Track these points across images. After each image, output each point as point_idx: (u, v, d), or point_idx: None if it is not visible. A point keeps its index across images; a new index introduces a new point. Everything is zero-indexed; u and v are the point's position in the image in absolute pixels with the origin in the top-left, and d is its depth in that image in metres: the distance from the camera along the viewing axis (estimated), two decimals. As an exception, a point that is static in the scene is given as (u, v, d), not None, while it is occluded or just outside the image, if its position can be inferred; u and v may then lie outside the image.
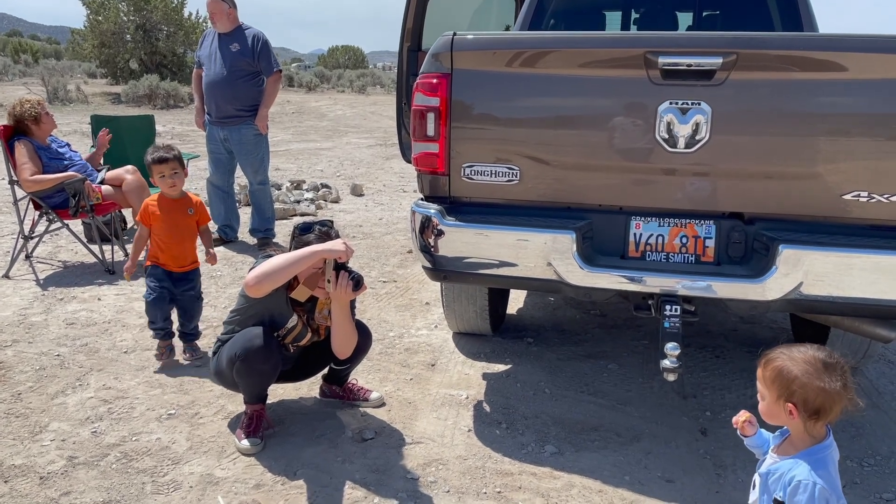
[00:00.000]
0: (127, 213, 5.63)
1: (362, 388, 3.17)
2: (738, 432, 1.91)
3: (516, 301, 4.55)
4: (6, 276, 4.76)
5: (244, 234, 5.97)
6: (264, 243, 5.73)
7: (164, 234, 3.49)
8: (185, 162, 3.71)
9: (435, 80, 2.69)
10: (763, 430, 1.90)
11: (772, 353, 1.70)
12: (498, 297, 3.90)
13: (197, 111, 5.77)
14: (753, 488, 1.80)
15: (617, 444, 2.87)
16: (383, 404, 3.15)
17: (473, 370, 3.53)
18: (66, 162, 4.93)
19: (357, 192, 8.28)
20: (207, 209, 3.59)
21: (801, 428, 1.66)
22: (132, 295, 4.43)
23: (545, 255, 2.63)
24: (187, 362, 3.55)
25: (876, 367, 3.67)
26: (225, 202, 5.77)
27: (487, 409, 3.14)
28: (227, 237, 5.82)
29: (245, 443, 2.75)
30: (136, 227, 3.69)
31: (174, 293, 3.54)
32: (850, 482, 2.63)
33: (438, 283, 3.83)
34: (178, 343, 3.64)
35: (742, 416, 1.89)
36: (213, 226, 5.92)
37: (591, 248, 2.69)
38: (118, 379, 3.34)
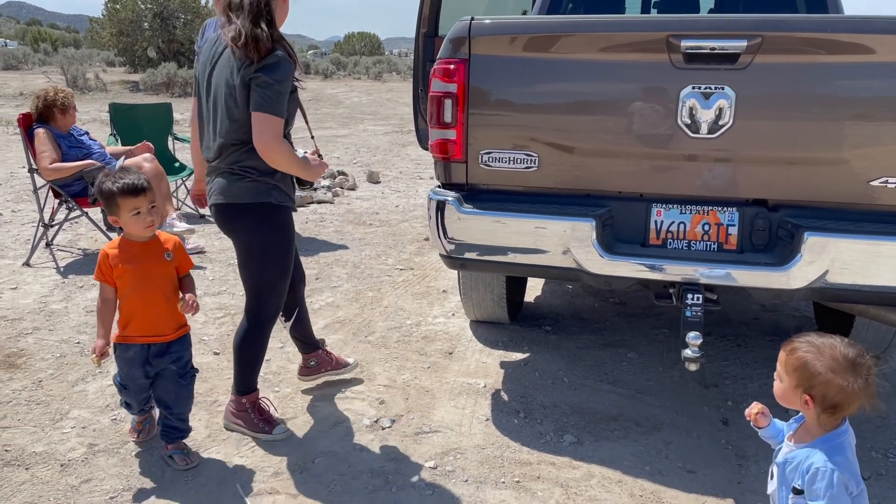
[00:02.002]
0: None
1: (338, 356, 3.22)
2: (752, 424, 1.88)
3: (534, 289, 4.52)
4: (27, 264, 4.80)
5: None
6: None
7: (135, 293, 2.44)
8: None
9: (452, 66, 2.65)
10: (777, 421, 1.87)
11: (798, 341, 1.66)
12: (515, 285, 3.88)
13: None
14: (771, 478, 1.77)
15: (637, 433, 2.85)
16: (357, 366, 3.25)
17: (491, 359, 3.51)
18: (85, 150, 4.95)
19: (373, 179, 8.26)
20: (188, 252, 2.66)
21: (815, 418, 1.64)
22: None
23: (564, 242, 2.59)
24: (180, 467, 2.55)
25: (901, 357, 3.60)
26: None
27: (505, 398, 3.13)
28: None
29: (275, 432, 2.75)
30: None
31: (152, 371, 2.51)
32: (876, 473, 2.59)
33: (455, 271, 3.81)
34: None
35: (754, 407, 1.87)
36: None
37: (610, 236, 2.65)
38: (137, 366, 3.36)
